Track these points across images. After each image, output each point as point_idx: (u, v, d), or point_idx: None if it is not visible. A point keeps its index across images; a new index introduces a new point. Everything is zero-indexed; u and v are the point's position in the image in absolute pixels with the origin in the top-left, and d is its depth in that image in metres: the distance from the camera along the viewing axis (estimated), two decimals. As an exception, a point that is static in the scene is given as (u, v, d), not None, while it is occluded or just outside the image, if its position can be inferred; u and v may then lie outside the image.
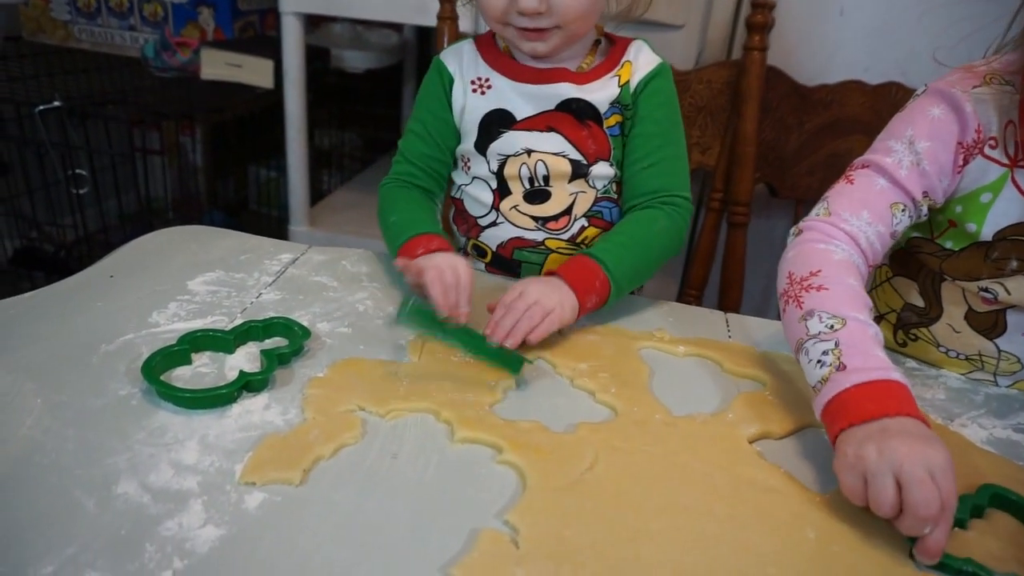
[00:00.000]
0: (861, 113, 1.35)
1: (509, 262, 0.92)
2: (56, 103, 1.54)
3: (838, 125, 1.37)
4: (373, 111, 2.40)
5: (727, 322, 0.85)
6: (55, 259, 1.89)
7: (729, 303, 1.28)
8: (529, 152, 0.85)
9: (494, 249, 0.92)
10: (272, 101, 1.75)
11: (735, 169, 1.22)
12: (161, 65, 1.84)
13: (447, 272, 0.73)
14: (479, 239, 0.93)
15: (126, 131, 1.75)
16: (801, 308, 0.66)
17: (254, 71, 1.77)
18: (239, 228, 0.96)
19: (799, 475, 0.61)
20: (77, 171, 1.68)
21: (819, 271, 0.68)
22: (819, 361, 0.62)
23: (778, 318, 0.72)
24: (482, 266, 0.95)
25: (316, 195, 1.97)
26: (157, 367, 0.64)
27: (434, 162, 0.90)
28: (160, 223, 0.89)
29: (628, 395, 0.69)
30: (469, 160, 0.89)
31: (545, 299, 0.72)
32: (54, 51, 1.96)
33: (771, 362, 0.76)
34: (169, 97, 1.74)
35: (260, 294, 0.80)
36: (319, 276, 0.86)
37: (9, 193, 1.79)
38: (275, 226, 2.09)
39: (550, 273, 0.78)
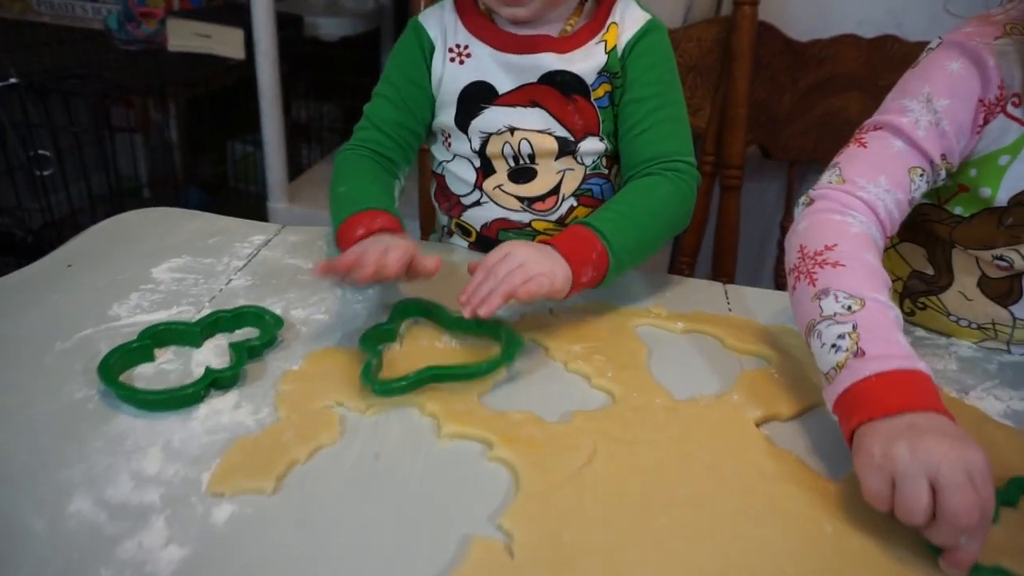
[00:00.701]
0: (856, 69, 1.30)
1: (494, 243, 0.86)
2: (12, 80, 1.46)
3: (832, 82, 1.31)
4: (351, 80, 2.32)
5: (726, 293, 0.81)
6: (25, 245, 1.82)
7: (724, 270, 1.24)
8: (512, 130, 0.79)
9: (478, 229, 0.87)
10: (247, 73, 1.67)
11: (727, 131, 1.18)
12: (126, 37, 1.76)
13: (370, 251, 0.64)
14: (461, 218, 0.88)
15: (92, 109, 1.68)
16: (814, 285, 0.61)
17: (223, 41, 1.69)
18: (218, 205, 0.91)
19: (811, 461, 0.57)
20: (40, 152, 1.60)
21: (835, 245, 0.62)
22: (834, 345, 0.56)
23: (774, 287, 0.68)
24: (465, 244, 0.90)
25: (295, 170, 1.91)
26: (116, 366, 0.59)
27: (404, 131, 0.83)
28: (135, 203, 0.84)
29: (626, 378, 0.64)
30: (450, 136, 0.83)
31: (533, 263, 0.64)
32: (12, 25, 1.87)
33: (774, 336, 0.72)
34: (136, 71, 1.66)
35: (230, 280, 0.75)
36: (293, 258, 0.81)
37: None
38: (255, 203, 2.02)
39: (543, 243, 0.70)
